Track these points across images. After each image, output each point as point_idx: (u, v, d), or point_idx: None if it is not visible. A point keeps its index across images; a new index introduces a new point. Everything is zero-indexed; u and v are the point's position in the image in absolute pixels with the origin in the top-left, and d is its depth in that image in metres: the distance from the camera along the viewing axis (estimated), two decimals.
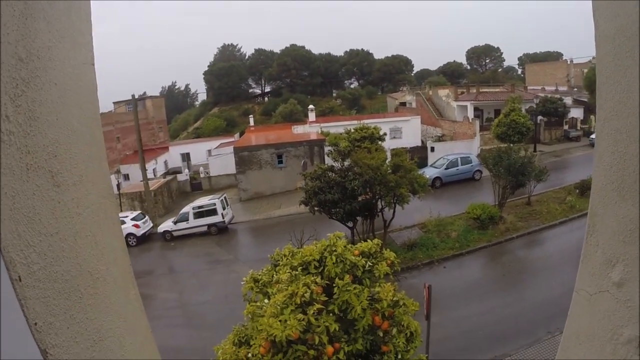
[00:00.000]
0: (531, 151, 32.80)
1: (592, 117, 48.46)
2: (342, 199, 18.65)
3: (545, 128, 46.12)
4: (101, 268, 1.80)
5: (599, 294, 1.81)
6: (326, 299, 5.33)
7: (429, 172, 30.05)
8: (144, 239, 28.75)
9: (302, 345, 4.92)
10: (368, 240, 6.41)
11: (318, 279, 5.41)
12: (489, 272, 19.50)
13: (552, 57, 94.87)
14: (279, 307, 5.06)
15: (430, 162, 36.06)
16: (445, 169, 32.47)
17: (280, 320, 4.88)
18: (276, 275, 6.04)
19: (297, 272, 5.55)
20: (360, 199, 19.69)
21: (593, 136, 41.83)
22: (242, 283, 6.41)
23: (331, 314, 5.24)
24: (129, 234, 27.84)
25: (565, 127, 47.24)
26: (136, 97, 33.38)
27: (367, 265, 5.77)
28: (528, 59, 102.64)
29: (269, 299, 5.76)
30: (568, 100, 49.24)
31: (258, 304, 5.77)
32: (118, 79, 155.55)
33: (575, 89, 60.29)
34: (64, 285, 1.55)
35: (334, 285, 5.39)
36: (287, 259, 6.12)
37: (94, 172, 1.84)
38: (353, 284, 5.45)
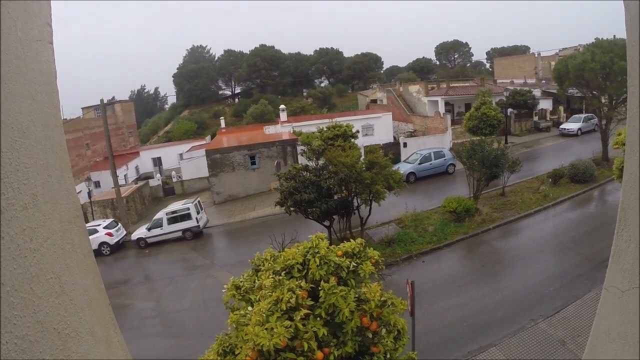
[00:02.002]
0: (503, 143, 33.25)
1: (560, 107, 49.43)
2: (318, 198, 18.51)
3: (516, 120, 46.87)
4: (71, 320, 1.40)
5: (631, 290, 1.67)
6: (312, 303, 5.16)
7: (403, 168, 30.15)
8: (118, 248, 28.26)
9: (290, 353, 4.75)
10: (350, 239, 6.27)
11: (302, 283, 5.23)
12: (467, 263, 19.59)
13: (519, 51, 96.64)
14: (264, 315, 4.86)
15: (403, 157, 36.23)
16: (419, 164, 32.60)
17: (266, 329, 4.70)
18: (258, 280, 5.85)
19: (280, 277, 5.36)
20: (336, 197, 19.60)
21: (562, 126, 42.93)
22: (224, 291, 6.18)
23: (318, 319, 5.07)
24: (102, 243, 27.45)
25: (535, 118, 48.10)
26: (105, 101, 32.66)
27: (351, 266, 5.62)
28: (496, 53, 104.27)
29: (252, 306, 5.56)
30: (537, 92, 50.11)
31: (242, 312, 5.56)
32: (86, 84, 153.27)
33: (544, 81, 61.36)
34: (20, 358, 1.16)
35: (320, 288, 5.22)
36: (269, 263, 5.93)
37: (53, 189, 1.41)
38: (338, 285, 5.29)
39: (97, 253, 27.32)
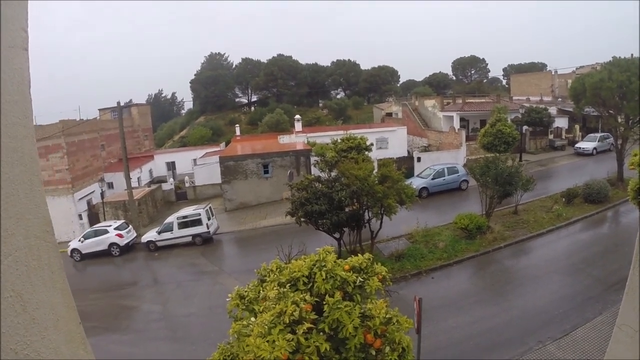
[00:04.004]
0: (517, 161, 32.98)
1: (576, 126, 49.00)
2: (329, 210, 18.47)
3: (531, 138, 46.52)
4: (32, 339, 1.34)
5: None
6: (316, 317, 5.11)
7: (415, 183, 30.02)
8: (128, 249, 28.49)
9: None
10: (360, 252, 6.22)
11: (307, 296, 5.19)
12: (477, 281, 19.37)
13: (536, 68, 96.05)
14: (266, 327, 4.82)
15: (416, 172, 36.00)
16: (432, 179, 32.42)
17: (268, 341, 4.65)
18: (263, 291, 5.81)
19: (285, 289, 5.31)
20: (347, 209, 19.53)
21: (578, 145, 42.53)
22: (228, 300, 6.15)
23: (321, 333, 5.01)
24: (112, 244, 27.71)
25: (550, 136, 47.70)
26: (121, 104, 32.99)
27: (358, 281, 5.56)
28: (513, 70, 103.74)
29: (255, 316, 5.53)
30: (553, 110, 49.72)
31: (244, 322, 5.52)
32: (104, 86, 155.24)
33: (560, 99, 60.88)
34: None
35: (324, 302, 5.17)
36: (275, 274, 5.89)
37: (19, 203, 1.35)
38: (344, 300, 5.24)
39: (107, 253, 27.69)
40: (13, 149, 1.34)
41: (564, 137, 47.96)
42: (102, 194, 34.42)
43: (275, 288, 5.45)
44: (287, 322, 4.85)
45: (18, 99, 1.40)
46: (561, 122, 49.65)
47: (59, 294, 1.57)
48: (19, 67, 1.42)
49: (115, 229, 28.31)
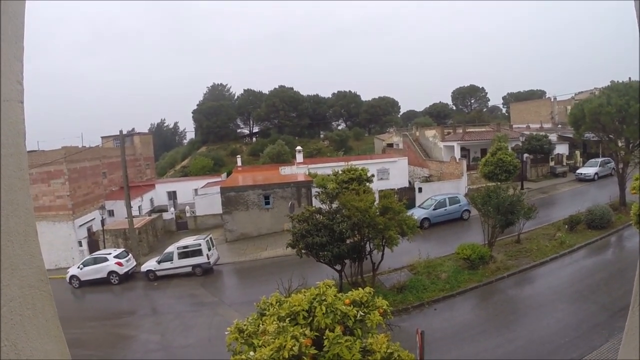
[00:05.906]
0: (519, 189, 32.93)
1: (577, 152, 49.22)
2: (330, 242, 18.40)
3: (532, 165, 46.62)
4: None
5: None
6: (316, 352, 5.01)
7: (417, 213, 29.86)
8: (127, 278, 28.43)
9: None
10: (359, 285, 6.14)
11: (307, 331, 5.10)
12: (480, 312, 19.12)
13: (535, 96, 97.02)
14: None
15: (418, 202, 35.91)
16: (434, 209, 32.28)
17: None
18: (262, 325, 5.71)
19: (284, 324, 5.22)
20: (348, 241, 19.43)
21: (579, 171, 42.67)
22: (227, 333, 6.05)
23: None
24: (112, 272, 27.72)
25: (551, 163, 47.88)
26: (124, 132, 33.20)
27: (358, 315, 5.48)
28: (512, 98, 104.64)
29: (254, 350, 5.42)
30: (553, 137, 50.06)
31: (243, 356, 5.41)
32: (106, 114, 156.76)
33: (560, 126, 61.19)
34: None
35: (324, 337, 5.07)
36: (275, 308, 5.80)
37: (14, 254, 1.35)
38: (344, 335, 5.14)
39: (106, 281, 27.81)
40: (8, 201, 1.35)
41: (564, 163, 48.17)
42: (103, 222, 34.39)
43: (274, 322, 5.37)
44: (287, 356, 4.75)
45: (13, 151, 1.40)
46: (562, 149, 49.94)
47: (53, 341, 1.56)
48: (15, 120, 1.42)
49: (115, 257, 28.32)
